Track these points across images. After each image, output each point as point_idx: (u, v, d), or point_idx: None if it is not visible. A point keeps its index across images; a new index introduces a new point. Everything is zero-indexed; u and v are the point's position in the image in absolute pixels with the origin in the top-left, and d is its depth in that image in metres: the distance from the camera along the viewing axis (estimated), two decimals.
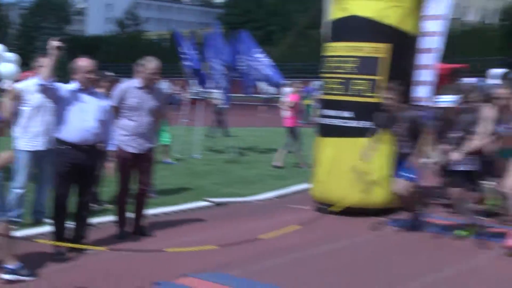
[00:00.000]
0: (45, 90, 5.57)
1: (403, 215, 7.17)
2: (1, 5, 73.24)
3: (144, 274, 5.24)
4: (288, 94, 13.26)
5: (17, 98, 6.37)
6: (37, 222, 6.67)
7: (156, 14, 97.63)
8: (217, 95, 15.29)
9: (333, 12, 7.89)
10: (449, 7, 11.21)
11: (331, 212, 7.41)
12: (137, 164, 6.49)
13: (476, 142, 6.35)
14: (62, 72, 6.76)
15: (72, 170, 5.70)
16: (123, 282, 5.05)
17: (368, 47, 7.48)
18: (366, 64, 7.43)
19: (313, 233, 6.84)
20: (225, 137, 16.10)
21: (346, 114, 7.29)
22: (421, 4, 7.82)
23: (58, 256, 5.61)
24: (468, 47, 39.47)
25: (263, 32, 60.48)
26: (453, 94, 6.73)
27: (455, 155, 6.43)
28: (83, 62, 5.77)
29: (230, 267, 5.51)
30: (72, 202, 5.90)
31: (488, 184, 7.16)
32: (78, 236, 5.96)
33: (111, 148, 6.06)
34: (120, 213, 6.59)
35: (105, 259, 5.69)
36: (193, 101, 15.44)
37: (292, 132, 12.30)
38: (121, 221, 6.59)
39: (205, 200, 8.52)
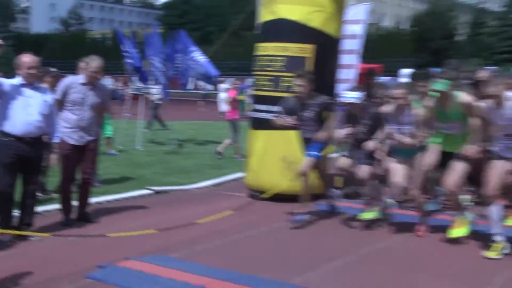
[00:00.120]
0: None
1: (324, 201, 7.26)
2: None
3: (88, 258, 5.12)
4: (226, 90, 13.30)
5: None
6: None
7: (99, 14, 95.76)
8: (154, 90, 15.19)
9: (263, 15, 7.92)
10: (367, 13, 11.49)
11: (263, 199, 7.45)
12: (79, 155, 6.36)
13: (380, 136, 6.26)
14: (8, 68, 6.55)
15: (16, 161, 5.52)
16: (67, 266, 4.91)
17: (295, 48, 7.55)
18: (293, 63, 7.49)
19: (245, 218, 6.87)
20: (163, 130, 15.96)
21: (275, 108, 7.33)
22: (342, 9, 7.95)
23: (2, 243, 5.41)
24: (384, 50, 40.60)
25: (201, 32, 60.14)
26: (357, 91, 6.53)
27: (370, 144, 6.26)
28: (26, 58, 5.59)
29: (170, 250, 5.47)
30: (19, 192, 5.72)
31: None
32: (24, 224, 5.77)
33: (55, 140, 5.92)
34: (64, 201, 6.44)
35: (50, 245, 5.55)
36: (135, 96, 15.34)
37: (232, 124, 12.33)
38: (65, 209, 6.44)
39: (147, 189, 8.42)
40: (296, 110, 6.69)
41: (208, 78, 13.26)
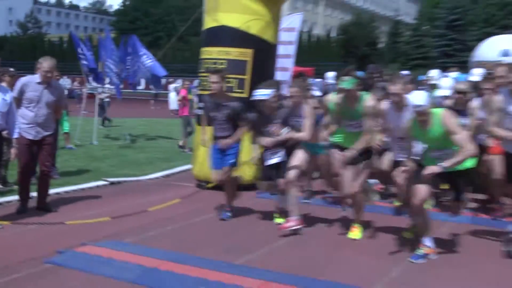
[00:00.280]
0: None
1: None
2: None
3: (48, 244, 4.99)
4: (178, 89, 13.24)
5: None
6: None
7: (56, 19, 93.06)
8: (103, 90, 14.90)
9: (207, 22, 7.89)
10: (300, 22, 11.64)
11: (209, 188, 7.45)
12: (37, 149, 6.19)
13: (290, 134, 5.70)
14: None
15: None
16: (28, 252, 4.76)
17: (236, 52, 7.55)
18: (235, 66, 7.49)
19: (193, 206, 6.84)
20: (107, 126, 15.67)
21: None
22: (278, 18, 8.01)
23: None
24: (315, 55, 41.24)
25: (151, 37, 59.21)
26: (268, 88, 5.86)
27: (267, 140, 5.71)
28: None
29: (123, 236, 5.39)
30: None
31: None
32: None
33: (15, 135, 5.73)
34: (21, 191, 6.25)
35: (10, 232, 5.36)
36: (90, 95, 15.07)
37: (184, 121, 12.23)
38: (22, 198, 6.25)
39: (102, 180, 8.24)
40: (209, 108, 6.24)
41: (156, 81, 13.21)
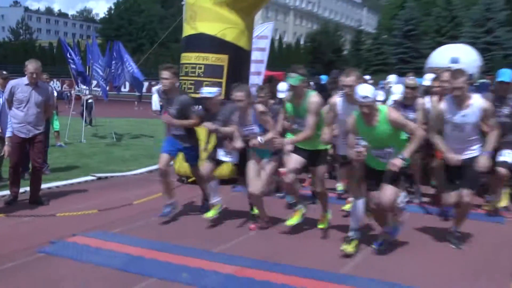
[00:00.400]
0: None
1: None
2: None
3: (40, 235, 4.92)
4: (158, 91, 13.09)
5: None
6: None
7: (45, 26, 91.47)
8: (88, 91, 14.67)
9: (186, 30, 7.85)
10: (271, 30, 11.69)
11: (189, 183, 7.42)
12: (29, 147, 6.13)
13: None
14: None
15: None
16: (21, 242, 4.68)
17: (213, 57, 7.53)
18: (212, 70, 7.48)
19: (174, 198, 6.78)
20: (91, 125, 15.45)
21: (198, 108, 7.28)
22: (251, 27, 8.02)
23: None
24: (285, 60, 41.38)
25: (135, 44, 58.59)
26: (214, 87, 5.63)
27: (238, 143, 5.22)
28: None
29: (110, 226, 5.35)
30: None
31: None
32: None
33: (8, 134, 5.63)
34: (12, 185, 6.17)
35: (4, 224, 5.27)
36: (78, 97, 14.86)
37: None
38: (13, 191, 6.17)
39: (91, 175, 8.14)
40: (163, 105, 5.83)
41: (138, 85, 13.13)
